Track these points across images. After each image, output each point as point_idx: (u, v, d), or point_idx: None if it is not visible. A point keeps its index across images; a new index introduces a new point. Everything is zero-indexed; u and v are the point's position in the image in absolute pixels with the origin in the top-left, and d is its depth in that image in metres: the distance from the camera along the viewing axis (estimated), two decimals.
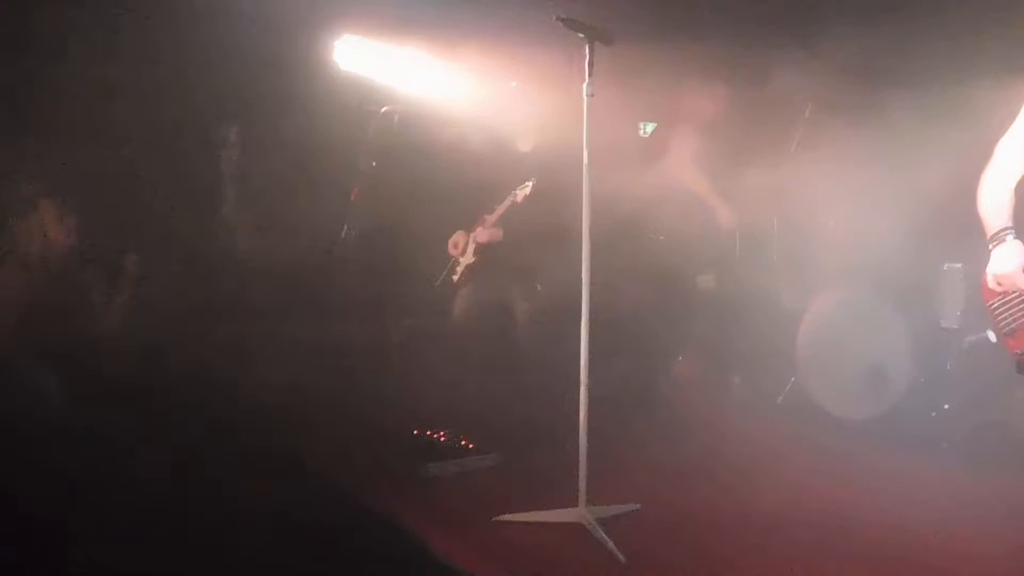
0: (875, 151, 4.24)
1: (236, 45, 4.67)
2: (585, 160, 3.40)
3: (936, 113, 4.02)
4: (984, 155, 2.89)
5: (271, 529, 3.23)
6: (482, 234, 4.63)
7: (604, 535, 3.27)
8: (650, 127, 5.80)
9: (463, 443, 4.28)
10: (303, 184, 4.97)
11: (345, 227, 5.03)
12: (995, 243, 2.74)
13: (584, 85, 3.39)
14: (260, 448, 3.84)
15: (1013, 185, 2.77)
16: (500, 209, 4.55)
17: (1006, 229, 2.72)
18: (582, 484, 3.42)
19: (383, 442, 4.24)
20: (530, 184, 4.38)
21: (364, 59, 4.90)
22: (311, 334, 4.76)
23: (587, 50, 3.38)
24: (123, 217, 4.33)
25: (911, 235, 4.15)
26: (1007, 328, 2.77)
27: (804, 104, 4.63)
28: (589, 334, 3.40)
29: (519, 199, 4.44)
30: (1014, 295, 2.74)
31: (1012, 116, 2.81)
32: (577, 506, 3.43)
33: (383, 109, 4.91)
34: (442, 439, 4.35)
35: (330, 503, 3.65)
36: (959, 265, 4.15)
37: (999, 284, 2.74)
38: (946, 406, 4.32)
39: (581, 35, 3.36)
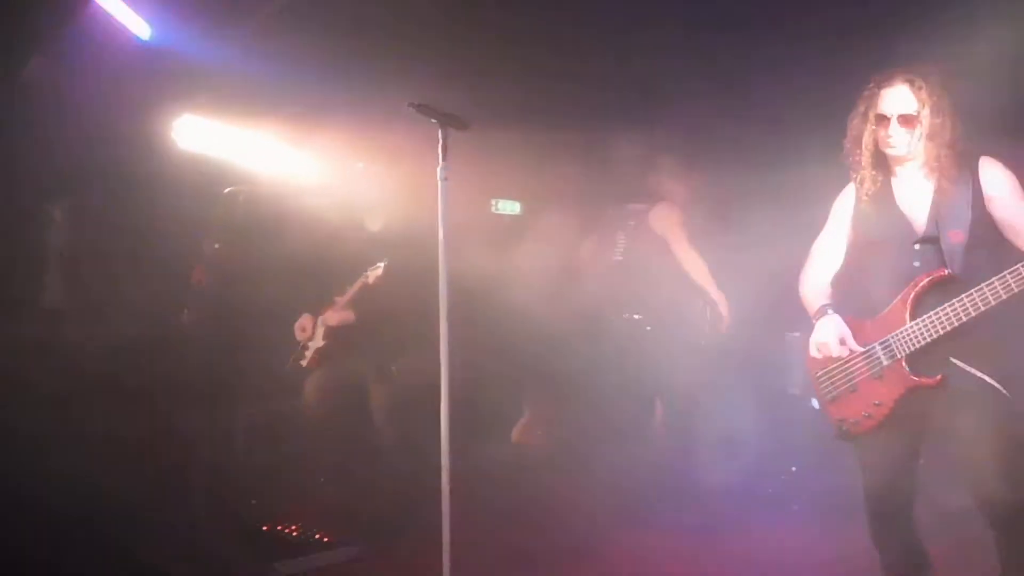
0: (717, 230, 4.46)
1: (67, 120, 4.41)
2: (441, 238, 3.37)
3: (773, 196, 4.28)
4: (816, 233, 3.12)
5: None
6: (332, 317, 4.51)
7: None
8: (508, 205, 5.87)
9: (317, 536, 4.07)
10: (139, 265, 4.69)
11: (185, 310, 4.77)
12: (818, 317, 2.99)
13: (438, 169, 3.38)
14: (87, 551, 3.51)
15: (830, 279, 3.06)
16: (351, 292, 4.45)
17: (826, 305, 2.99)
18: (446, 570, 3.29)
19: (229, 539, 3.98)
20: (381, 265, 4.32)
21: (205, 139, 4.74)
22: (144, 422, 4.44)
23: (440, 135, 3.38)
24: None
25: (756, 308, 4.36)
26: (829, 396, 2.98)
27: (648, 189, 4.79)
28: (450, 416, 3.32)
29: (370, 280, 4.37)
30: (835, 366, 2.96)
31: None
32: None
33: (227, 189, 4.74)
34: (294, 533, 4.13)
35: None
36: (798, 334, 4.36)
37: (819, 351, 2.97)
38: (793, 468, 4.49)
39: (434, 121, 3.37)
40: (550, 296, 5.05)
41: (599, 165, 4.91)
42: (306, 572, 3.82)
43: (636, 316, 4.60)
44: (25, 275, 4.54)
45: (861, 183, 2.95)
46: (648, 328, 4.61)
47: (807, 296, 3.07)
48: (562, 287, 5.11)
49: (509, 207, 6.17)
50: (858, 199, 2.98)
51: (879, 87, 2.89)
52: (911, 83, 2.85)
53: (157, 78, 4.53)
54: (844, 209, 3.04)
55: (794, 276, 3.16)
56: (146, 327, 4.57)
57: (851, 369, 2.93)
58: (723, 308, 4.56)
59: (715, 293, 4.57)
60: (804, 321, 3.30)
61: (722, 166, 4.67)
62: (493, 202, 6.09)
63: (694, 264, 4.60)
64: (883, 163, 2.94)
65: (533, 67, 4.97)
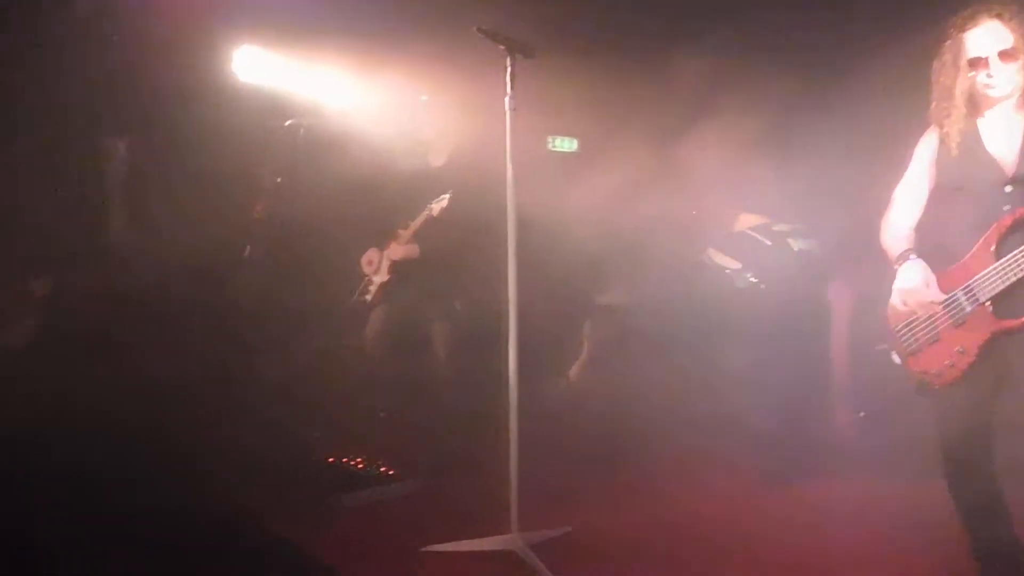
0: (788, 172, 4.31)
1: (126, 55, 4.39)
2: (509, 174, 3.32)
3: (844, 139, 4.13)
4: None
5: (174, 564, 2.99)
6: (396, 250, 4.49)
7: (538, 562, 3.16)
8: (565, 142, 5.75)
9: (382, 470, 4.11)
10: (202, 201, 4.70)
11: (248, 247, 4.78)
12: (900, 262, 2.85)
13: (506, 99, 3.31)
14: (162, 474, 3.58)
15: (913, 225, 2.93)
16: (415, 224, 4.41)
17: (909, 250, 2.85)
18: (513, 509, 3.31)
19: (295, 471, 4.04)
20: (446, 197, 4.27)
21: (266, 71, 4.69)
22: (214, 358, 4.50)
23: (508, 63, 3.30)
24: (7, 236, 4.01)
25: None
26: (910, 349, 2.87)
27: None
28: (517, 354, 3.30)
29: (435, 213, 4.32)
30: (918, 317, 2.84)
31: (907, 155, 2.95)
32: (508, 532, 3.31)
33: (287, 122, 4.70)
34: (359, 466, 4.18)
35: (239, 536, 3.42)
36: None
37: (904, 302, 2.83)
38: (861, 414, 4.41)
39: (502, 47, 3.28)
40: (607, 234, 4.97)
41: (660, 97, 4.72)
42: (372, 504, 3.85)
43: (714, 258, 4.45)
44: (93, 208, 4.58)
45: (947, 131, 2.79)
46: (726, 271, 4.49)
47: (888, 243, 2.93)
48: (620, 225, 5.02)
49: (566, 144, 6.06)
50: (943, 146, 2.83)
51: (962, 30, 2.73)
52: (1000, 17, 2.69)
53: (217, 9, 4.48)
54: (927, 155, 2.90)
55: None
56: (210, 259, 4.60)
57: (932, 319, 2.82)
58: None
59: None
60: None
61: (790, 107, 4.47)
62: (550, 139, 5.98)
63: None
64: (974, 107, 2.79)
65: None
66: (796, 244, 4.44)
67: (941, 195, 2.88)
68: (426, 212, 4.34)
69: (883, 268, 2.97)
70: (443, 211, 4.27)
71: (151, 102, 4.61)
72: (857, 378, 4.48)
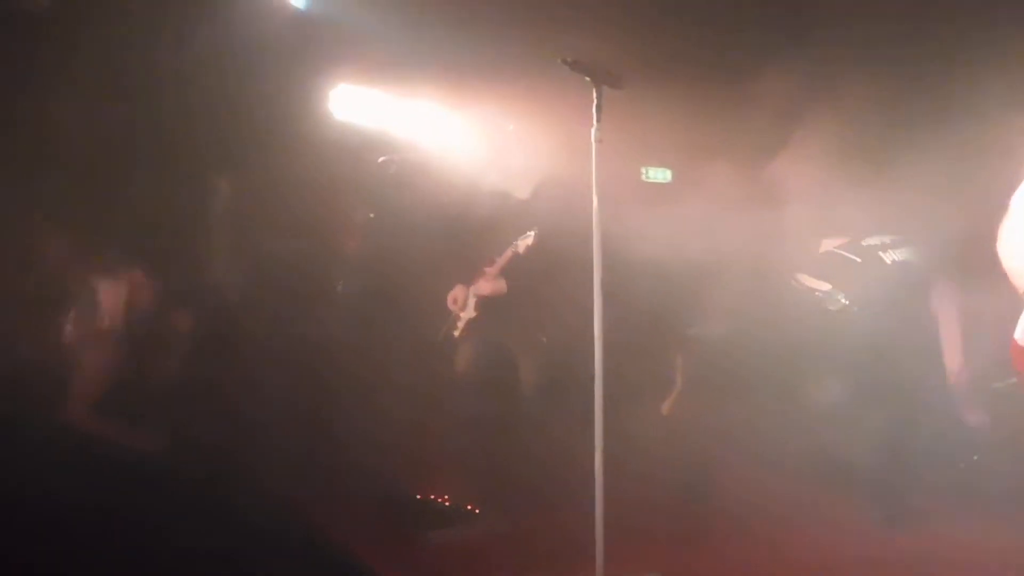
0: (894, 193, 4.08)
1: (231, 93, 4.55)
2: (595, 206, 3.26)
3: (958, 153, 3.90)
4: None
5: None
6: (484, 287, 4.46)
7: None
8: (659, 173, 5.66)
9: (468, 508, 4.07)
10: (298, 235, 4.81)
11: (341, 281, 4.85)
12: None
13: (592, 130, 3.25)
14: (251, 504, 3.63)
15: None
16: (501, 260, 4.38)
17: None
18: (599, 553, 3.21)
19: (384, 507, 4.04)
20: (532, 235, 4.23)
21: (361, 108, 4.79)
22: (305, 395, 4.57)
23: (595, 94, 3.25)
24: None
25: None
26: None
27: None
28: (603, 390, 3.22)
29: (521, 250, 4.28)
30: None
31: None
32: (594, 575, 3.21)
33: (380, 159, 4.77)
34: (447, 503, 4.15)
35: (328, 571, 3.43)
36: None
37: None
38: (976, 457, 4.12)
39: (588, 78, 3.24)
40: (699, 264, 4.84)
41: (752, 120, 4.59)
42: (457, 542, 3.81)
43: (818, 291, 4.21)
44: (195, 241, 4.73)
45: None
46: (816, 293, 4.27)
47: (1011, 264, 2.70)
48: (712, 254, 4.88)
49: (660, 175, 5.96)
50: None
51: None
52: None
53: (313, 47, 4.60)
54: None
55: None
56: (305, 294, 4.69)
57: None
58: None
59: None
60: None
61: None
62: (643, 170, 5.90)
63: None
64: None
65: (683, 20, 4.75)
66: (890, 256, 4.15)
67: None
68: (512, 248, 4.31)
69: (997, 280, 2.75)
70: (528, 248, 4.23)
71: (251, 140, 4.76)
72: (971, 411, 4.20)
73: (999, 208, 2.77)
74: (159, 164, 4.49)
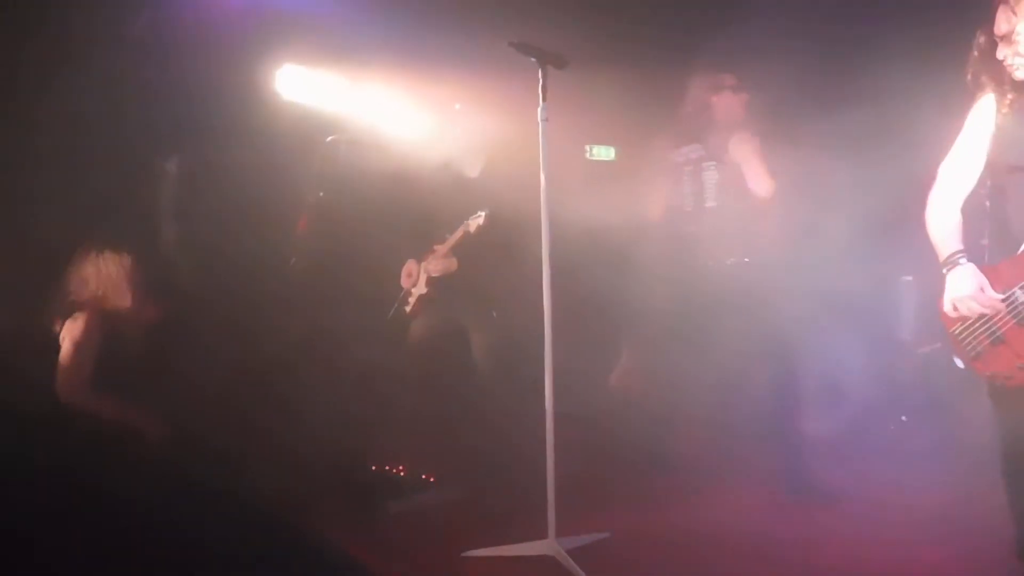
0: (827, 168, 4.25)
1: (174, 76, 4.53)
2: (543, 184, 3.37)
3: (882, 132, 4.08)
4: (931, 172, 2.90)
5: (217, 567, 3.08)
6: (435, 265, 4.54)
7: (576, 567, 3.20)
8: (603, 151, 5.78)
9: (424, 477, 4.18)
10: (247, 216, 4.82)
11: (292, 259, 4.89)
12: (948, 267, 2.71)
13: (538, 110, 3.36)
14: (208, 487, 3.68)
15: (960, 205, 2.77)
16: (452, 239, 4.47)
17: (958, 252, 2.71)
18: (551, 514, 3.36)
19: (340, 480, 4.12)
20: (483, 215, 4.31)
21: (307, 88, 4.81)
22: (258, 370, 4.60)
23: (540, 74, 3.35)
24: (59, 250, 4.14)
25: (863, 250, 4.19)
26: (973, 352, 2.72)
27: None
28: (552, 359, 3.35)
29: (472, 229, 4.36)
30: (974, 319, 2.70)
31: (953, 137, 2.82)
32: (546, 538, 3.35)
33: (328, 138, 4.80)
34: (402, 474, 4.25)
35: (286, 544, 3.50)
36: (910, 278, 4.20)
37: (955, 309, 2.71)
38: (904, 418, 4.36)
39: (533, 59, 3.34)
40: (647, 242, 4.97)
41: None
42: (413, 511, 3.92)
43: (746, 260, 4.32)
44: (141, 228, 4.71)
45: (1003, 96, 2.65)
46: (751, 272, 4.40)
47: (935, 234, 2.77)
48: (658, 232, 5.02)
49: (604, 152, 6.09)
50: (999, 114, 2.66)
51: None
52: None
53: (259, 28, 4.60)
54: (981, 124, 2.71)
55: (906, 214, 2.97)
56: (255, 275, 4.71)
57: (992, 320, 2.66)
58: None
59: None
60: (916, 265, 3.17)
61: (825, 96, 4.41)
62: (587, 148, 6.01)
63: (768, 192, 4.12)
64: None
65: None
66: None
67: (998, 171, 2.69)
68: (462, 228, 4.39)
69: (921, 250, 2.84)
70: (479, 228, 4.31)
71: (198, 121, 4.75)
72: (898, 379, 4.43)
73: (928, 179, 2.85)
74: (104, 150, 4.47)
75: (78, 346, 3.65)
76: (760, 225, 4.15)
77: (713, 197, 4.21)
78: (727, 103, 4.25)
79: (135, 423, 3.68)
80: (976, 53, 2.70)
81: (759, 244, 4.13)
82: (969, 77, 2.74)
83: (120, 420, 3.67)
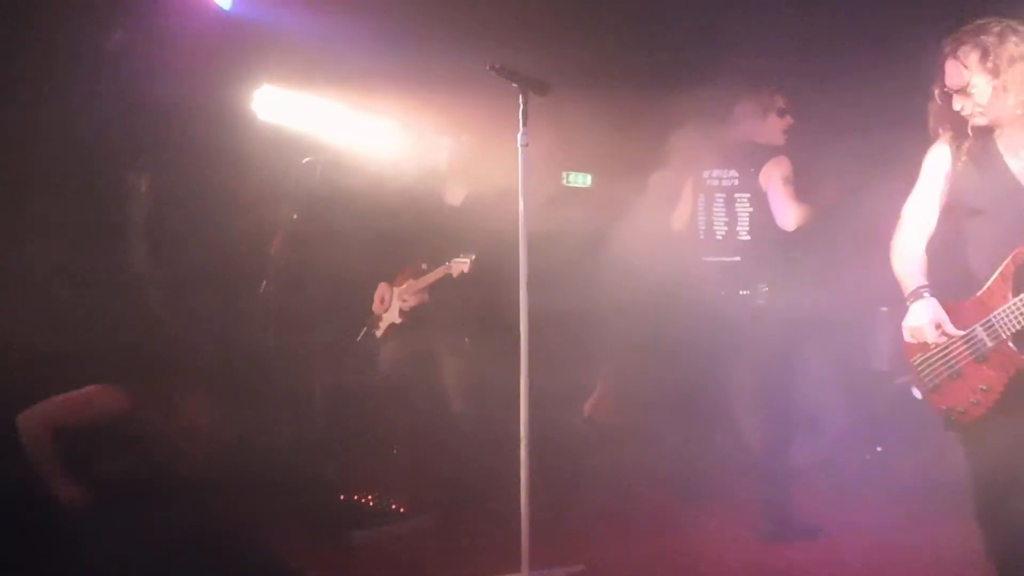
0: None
1: (149, 93, 4.47)
2: (521, 208, 3.34)
3: (865, 163, 4.09)
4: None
5: None
6: (410, 299, 4.48)
7: None
8: (579, 177, 5.77)
9: (393, 507, 4.10)
10: (220, 236, 4.75)
11: (264, 282, 4.81)
12: (912, 300, 2.81)
13: (518, 135, 3.34)
14: (174, 506, 3.57)
15: (924, 245, 2.85)
16: (431, 277, 4.38)
17: (922, 287, 2.80)
18: (524, 546, 3.29)
19: (306, 508, 4.03)
20: (468, 261, 4.21)
21: (284, 109, 4.76)
22: (226, 393, 4.51)
23: (520, 100, 3.33)
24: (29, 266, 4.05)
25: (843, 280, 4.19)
26: (931, 384, 2.80)
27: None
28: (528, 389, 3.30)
29: (454, 273, 4.26)
30: (934, 352, 2.78)
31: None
32: (519, 571, 3.28)
33: (304, 160, 4.75)
34: (370, 503, 4.16)
35: (251, 570, 3.40)
36: (886, 309, 4.20)
37: (913, 336, 2.80)
38: (879, 448, 4.35)
39: (514, 84, 3.32)
40: (624, 270, 4.95)
41: (679, 131, 4.71)
42: (382, 541, 3.83)
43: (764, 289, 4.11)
44: (111, 245, 4.63)
45: (962, 143, 2.74)
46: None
47: (900, 271, 2.87)
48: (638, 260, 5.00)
49: (580, 179, 6.08)
50: (955, 158, 2.76)
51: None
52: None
53: (237, 48, 4.56)
54: (937, 168, 2.81)
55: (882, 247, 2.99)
56: (227, 295, 4.63)
57: (952, 355, 2.74)
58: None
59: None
60: (893, 295, 3.17)
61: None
62: (564, 174, 6.00)
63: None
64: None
65: (607, 29, 4.86)
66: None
67: (956, 213, 2.79)
68: (444, 268, 4.29)
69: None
70: (463, 274, 4.22)
71: (172, 139, 4.68)
72: (873, 410, 4.42)
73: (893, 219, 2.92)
74: (76, 164, 4.39)
75: (80, 402, 3.54)
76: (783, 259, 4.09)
77: (747, 230, 4.07)
78: (772, 126, 4.14)
79: (53, 481, 3.51)
80: (935, 104, 2.78)
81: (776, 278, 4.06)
82: (931, 125, 2.83)
83: (44, 471, 3.51)
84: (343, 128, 4.76)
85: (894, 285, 2.92)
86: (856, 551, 3.67)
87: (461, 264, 4.23)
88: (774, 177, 4.00)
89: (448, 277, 4.29)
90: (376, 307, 4.62)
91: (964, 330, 2.72)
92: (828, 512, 4.05)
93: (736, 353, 4.07)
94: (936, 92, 2.76)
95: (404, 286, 4.52)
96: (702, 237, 4.19)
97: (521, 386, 3.33)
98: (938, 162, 2.82)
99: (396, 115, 4.59)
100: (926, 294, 2.77)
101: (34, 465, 3.45)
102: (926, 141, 2.89)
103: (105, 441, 3.63)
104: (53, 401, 3.50)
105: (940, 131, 2.80)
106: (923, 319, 2.75)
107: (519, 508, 3.31)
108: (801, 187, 4.01)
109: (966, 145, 2.74)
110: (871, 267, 3.30)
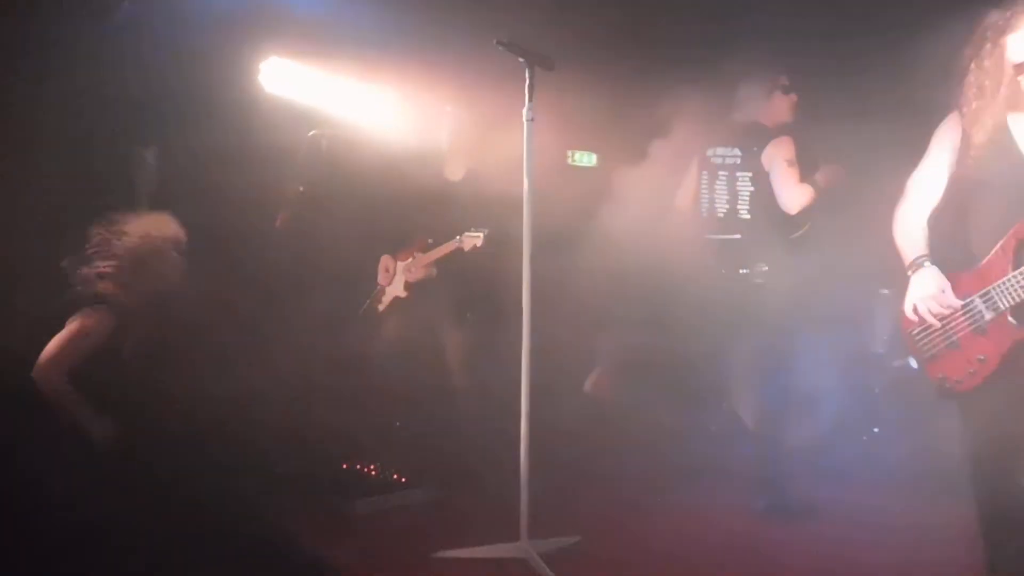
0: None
1: (156, 65, 4.48)
2: (526, 185, 3.36)
3: (867, 145, 4.10)
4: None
5: (186, 566, 3.03)
6: (415, 272, 4.49)
7: (547, 570, 3.18)
8: (585, 157, 5.77)
9: (395, 477, 4.15)
10: (226, 209, 4.77)
11: (271, 254, 4.84)
12: (913, 269, 2.80)
13: (524, 110, 3.35)
14: (176, 477, 3.62)
15: (926, 218, 2.85)
16: (440, 251, 4.37)
17: (923, 256, 2.80)
18: (523, 517, 3.34)
19: (309, 478, 4.08)
20: (481, 235, 4.17)
21: (291, 82, 4.76)
22: (231, 365, 4.55)
23: (527, 75, 3.35)
24: (40, 237, 4.08)
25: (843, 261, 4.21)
26: (928, 354, 2.81)
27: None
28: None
29: (465, 247, 4.24)
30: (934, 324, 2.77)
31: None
32: (518, 540, 3.34)
33: (311, 133, 4.76)
34: (373, 473, 4.22)
35: (252, 543, 3.45)
36: (887, 292, 4.22)
37: (915, 312, 2.78)
38: (876, 430, 4.39)
39: (521, 60, 3.33)
40: (627, 247, 4.96)
41: (687, 109, 4.70)
42: (384, 511, 3.89)
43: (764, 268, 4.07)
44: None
45: (977, 123, 2.70)
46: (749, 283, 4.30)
47: (901, 241, 2.86)
48: (641, 240, 5.01)
49: (586, 159, 6.08)
50: (967, 132, 2.74)
51: (1002, 33, 2.64)
52: None
53: (245, 20, 4.56)
54: (948, 140, 2.80)
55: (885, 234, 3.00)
56: (233, 266, 4.66)
57: (950, 325, 2.75)
58: None
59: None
60: (893, 277, 3.19)
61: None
62: (569, 154, 6.00)
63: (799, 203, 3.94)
64: (1011, 107, 2.69)
65: (612, 6, 4.85)
66: None
67: (964, 186, 2.78)
68: (455, 243, 4.27)
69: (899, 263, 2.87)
70: (475, 249, 4.19)
71: (178, 112, 4.69)
72: (871, 391, 4.45)
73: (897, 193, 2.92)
74: (82, 138, 4.41)
75: (74, 338, 3.56)
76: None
77: (747, 209, 4.07)
78: (777, 105, 4.14)
79: (83, 421, 3.56)
80: (985, 81, 2.70)
81: (778, 257, 4.06)
82: (974, 104, 2.74)
83: (72, 415, 3.56)
84: (350, 102, 4.76)
85: (894, 268, 2.93)
86: (850, 530, 3.71)
87: (474, 238, 4.20)
88: (777, 158, 4.00)
89: (459, 251, 4.29)
90: (381, 278, 4.64)
91: (963, 300, 2.71)
92: (823, 491, 4.09)
93: (736, 331, 4.09)
94: (995, 65, 2.66)
95: (410, 260, 4.54)
96: (704, 215, 4.21)
97: (523, 361, 3.36)
98: (949, 134, 2.80)
99: (401, 89, 4.58)
100: (927, 263, 2.77)
101: (61, 413, 3.50)
102: (929, 123, 2.89)
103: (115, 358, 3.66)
104: (52, 346, 3.52)
105: (977, 103, 2.72)
106: (930, 288, 2.73)
107: (518, 480, 3.36)
108: (803, 169, 4.03)
109: (987, 123, 2.68)
110: (871, 249, 3.34)
